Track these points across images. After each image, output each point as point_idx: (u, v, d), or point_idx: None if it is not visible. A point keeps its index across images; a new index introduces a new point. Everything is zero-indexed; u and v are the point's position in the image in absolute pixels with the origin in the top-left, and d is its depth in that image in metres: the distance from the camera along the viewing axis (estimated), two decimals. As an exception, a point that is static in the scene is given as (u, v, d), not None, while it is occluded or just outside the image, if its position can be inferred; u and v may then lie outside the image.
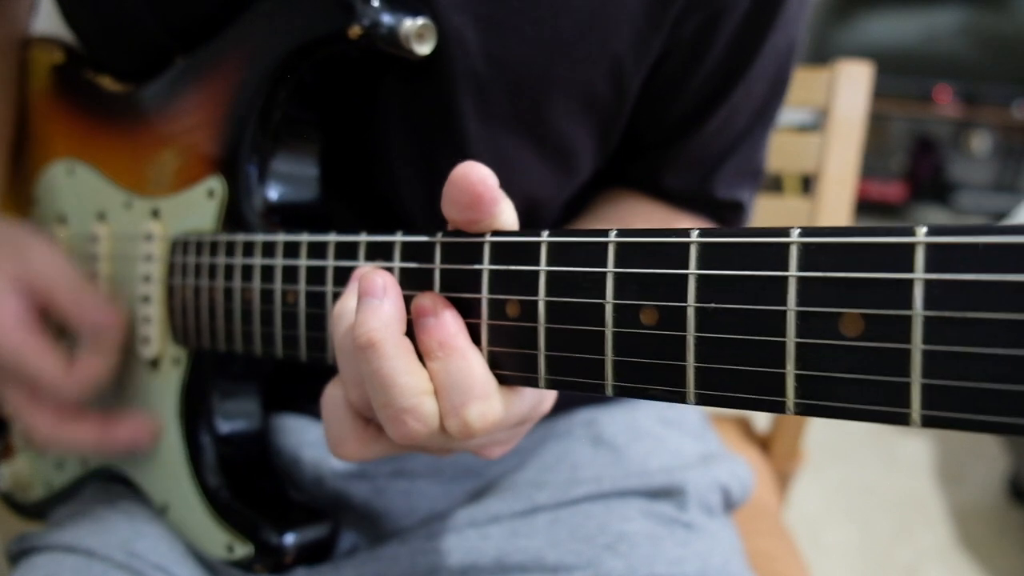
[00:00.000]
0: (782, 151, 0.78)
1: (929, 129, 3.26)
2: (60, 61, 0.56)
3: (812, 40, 3.07)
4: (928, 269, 0.21)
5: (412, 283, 0.33)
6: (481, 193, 0.29)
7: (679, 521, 0.48)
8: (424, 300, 0.31)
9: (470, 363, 0.30)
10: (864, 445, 2.00)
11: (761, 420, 0.89)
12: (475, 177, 0.29)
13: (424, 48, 0.40)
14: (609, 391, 0.27)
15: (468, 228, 0.31)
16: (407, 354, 0.30)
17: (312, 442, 0.52)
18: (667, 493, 0.49)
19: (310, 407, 0.53)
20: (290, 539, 0.44)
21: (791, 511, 0.92)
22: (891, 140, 3.32)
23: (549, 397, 0.34)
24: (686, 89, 0.48)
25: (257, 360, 0.48)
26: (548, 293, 0.29)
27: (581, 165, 0.50)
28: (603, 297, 0.27)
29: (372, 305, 0.30)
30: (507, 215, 0.31)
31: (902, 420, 0.21)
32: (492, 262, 0.30)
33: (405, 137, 0.46)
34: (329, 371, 0.36)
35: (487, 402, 0.30)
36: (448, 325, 0.31)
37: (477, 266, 0.31)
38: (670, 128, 0.51)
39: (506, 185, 0.32)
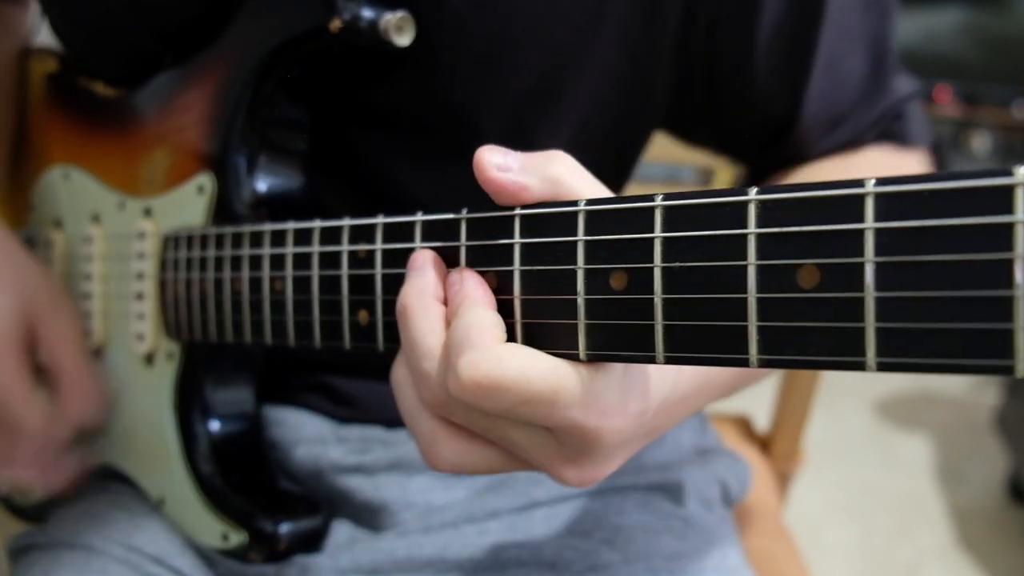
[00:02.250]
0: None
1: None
2: (53, 70, 0.57)
3: (812, 40, 3.07)
4: (878, 218, 0.22)
5: (396, 262, 0.34)
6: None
7: (676, 516, 0.48)
8: (453, 273, 0.31)
9: (476, 314, 0.28)
10: (864, 445, 2.00)
11: (761, 420, 0.89)
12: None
13: (403, 40, 0.41)
14: (582, 357, 0.28)
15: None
16: (434, 318, 0.30)
17: (308, 436, 0.52)
18: (664, 488, 0.50)
19: (305, 399, 0.53)
20: (284, 527, 0.45)
21: (791, 511, 0.92)
22: (891, 140, 3.31)
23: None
24: (754, 54, 0.46)
25: (249, 351, 0.49)
26: (522, 263, 0.30)
27: (600, 135, 0.49)
28: (574, 264, 0.28)
29: (410, 278, 0.31)
30: None
31: (858, 366, 0.22)
32: (469, 238, 0.31)
33: (399, 129, 0.46)
34: (320, 361, 0.36)
35: (482, 351, 0.26)
36: (467, 285, 0.30)
37: (455, 243, 0.32)
38: (778, 102, 0.48)
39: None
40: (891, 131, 0.51)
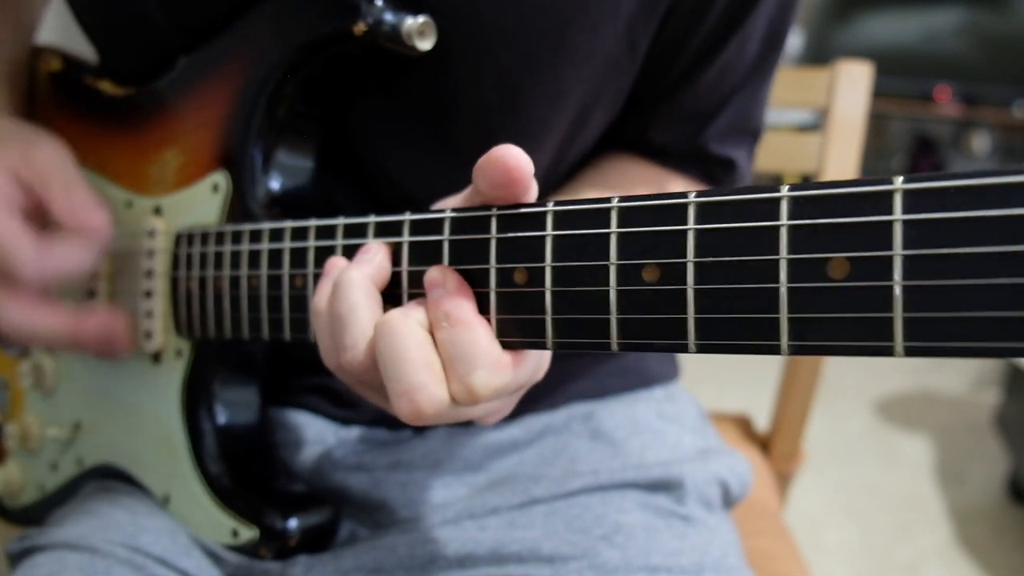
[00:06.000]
0: (782, 151, 0.78)
1: (929, 129, 3.27)
2: (57, 69, 0.57)
3: (812, 40, 3.07)
4: (906, 212, 0.23)
5: (422, 257, 0.34)
6: (517, 179, 0.30)
7: (676, 514, 0.49)
8: (433, 272, 0.32)
9: (475, 334, 0.31)
10: (864, 445, 2.00)
11: (761, 420, 0.89)
12: (513, 162, 0.30)
13: (425, 44, 0.41)
14: (615, 348, 0.29)
15: (491, 201, 0.32)
16: (416, 324, 0.31)
17: (310, 438, 0.53)
18: (665, 486, 0.50)
19: (307, 402, 0.54)
20: (294, 523, 0.45)
21: (791, 511, 0.92)
22: (891, 140, 3.32)
23: (544, 365, 0.35)
24: (687, 47, 0.49)
25: (257, 349, 0.49)
26: (554, 258, 0.30)
27: (592, 131, 0.51)
28: (607, 259, 0.29)
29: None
30: (531, 195, 0.32)
31: (887, 352, 0.23)
32: (499, 231, 0.32)
33: (414, 122, 0.46)
34: (323, 363, 0.37)
35: (491, 370, 0.31)
36: (455, 296, 0.32)
37: (485, 235, 0.32)
38: (666, 85, 0.51)
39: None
40: (713, 173, 0.56)
